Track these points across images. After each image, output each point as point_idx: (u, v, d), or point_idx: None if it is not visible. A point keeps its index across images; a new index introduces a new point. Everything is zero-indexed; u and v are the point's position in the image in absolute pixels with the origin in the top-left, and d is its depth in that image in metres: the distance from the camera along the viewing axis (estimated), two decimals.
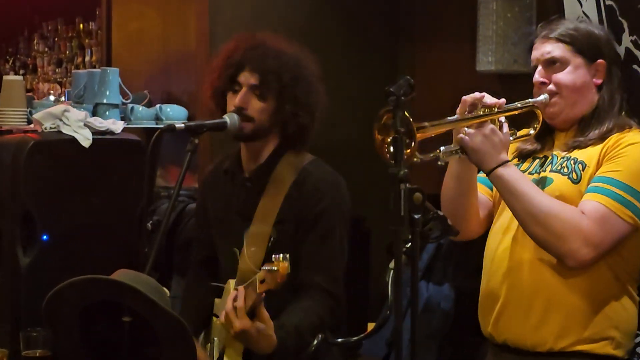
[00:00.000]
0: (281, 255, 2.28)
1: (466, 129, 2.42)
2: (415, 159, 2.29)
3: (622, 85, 2.54)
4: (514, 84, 3.67)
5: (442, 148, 2.42)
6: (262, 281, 2.30)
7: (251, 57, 2.63)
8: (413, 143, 2.05)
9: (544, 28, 2.56)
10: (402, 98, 1.84)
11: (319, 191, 2.62)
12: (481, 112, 2.43)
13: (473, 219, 2.60)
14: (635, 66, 2.89)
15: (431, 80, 4.07)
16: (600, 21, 2.98)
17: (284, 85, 2.62)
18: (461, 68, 3.99)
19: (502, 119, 2.46)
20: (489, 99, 2.45)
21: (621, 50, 2.88)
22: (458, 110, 2.46)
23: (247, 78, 2.63)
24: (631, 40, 2.90)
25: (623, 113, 2.52)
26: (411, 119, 2.00)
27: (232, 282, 2.62)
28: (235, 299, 2.38)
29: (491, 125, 2.41)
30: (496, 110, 2.43)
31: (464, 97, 2.46)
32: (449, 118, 2.43)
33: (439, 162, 2.44)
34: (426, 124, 2.30)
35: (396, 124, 1.77)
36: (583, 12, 3.03)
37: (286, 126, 2.65)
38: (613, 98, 2.51)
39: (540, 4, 3.66)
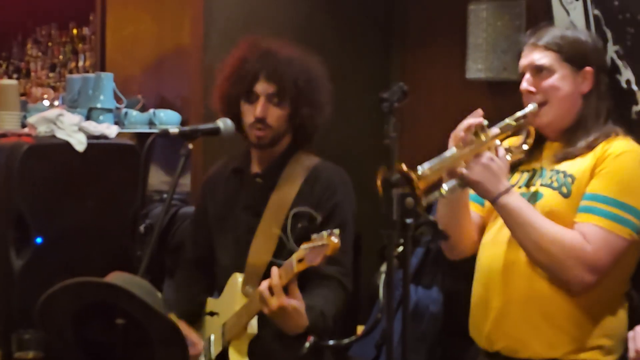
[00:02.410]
0: (325, 232, 2.29)
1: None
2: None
3: (609, 93, 2.54)
4: (504, 91, 3.69)
5: (444, 186, 2.42)
6: (299, 260, 2.33)
7: (264, 66, 2.65)
8: (418, 194, 2.06)
9: (532, 35, 2.56)
10: (395, 104, 1.87)
11: (331, 187, 2.69)
12: (476, 140, 2.41)
13: (468, 240, 2.62)
14: (617, 75, 2.91)
15: (422, 87, 4.09)
16: (588, 30, 3.00)
17: (300, 90, 2.66)
18: (451, 75, 4.02)
19: (497, 141, 2.46)
20: (473, 119, 2.44)
21: (607, 59, 2.91)
22: (452, 143, 2.44)
23: (264, 88, 2.65)
24: (615, 51, 2.93)
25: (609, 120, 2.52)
26: (411, 173, 2.02)
27: (238, 275, 2.65)
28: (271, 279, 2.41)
29: (488, 153, 2.41)
30: (490, 136, 2.42)
31: (454, 133, 2.44)
32: (446, 155, 2.41)
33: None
34: (426, 170, 2.29)
35: (389, 130, 1.80)
36: (571, 22, 3.06)
37: (302, 128, 2.70)
38: (599, 107, 2.51)
39: (530, 13, 3.68)
